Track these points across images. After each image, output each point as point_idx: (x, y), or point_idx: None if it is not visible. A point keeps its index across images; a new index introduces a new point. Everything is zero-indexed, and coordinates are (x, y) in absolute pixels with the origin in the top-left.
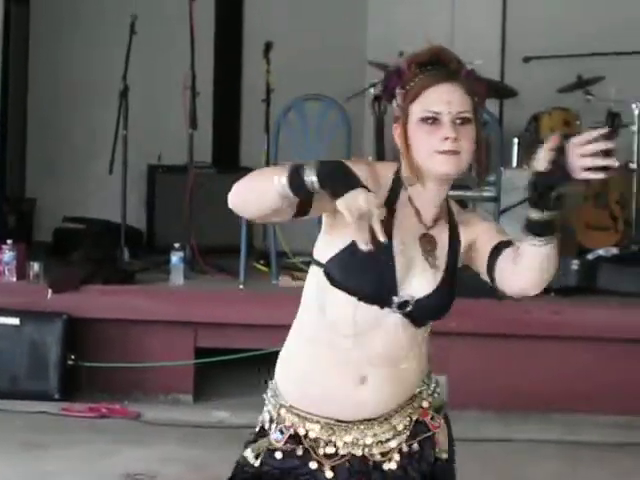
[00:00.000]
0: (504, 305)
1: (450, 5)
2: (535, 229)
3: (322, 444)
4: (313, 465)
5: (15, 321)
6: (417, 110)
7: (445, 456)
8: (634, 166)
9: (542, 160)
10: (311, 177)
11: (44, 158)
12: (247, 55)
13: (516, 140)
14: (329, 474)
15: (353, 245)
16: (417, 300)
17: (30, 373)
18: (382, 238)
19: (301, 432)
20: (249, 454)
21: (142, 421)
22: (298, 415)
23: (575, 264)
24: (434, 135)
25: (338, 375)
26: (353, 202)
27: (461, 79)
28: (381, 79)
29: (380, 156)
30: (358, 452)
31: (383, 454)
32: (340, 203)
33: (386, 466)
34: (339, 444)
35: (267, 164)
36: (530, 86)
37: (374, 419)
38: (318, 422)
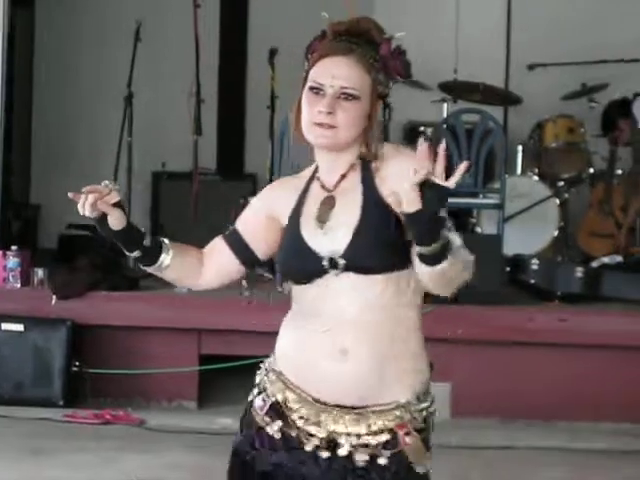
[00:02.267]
0: (509, 312)
1: (455, 13)
2: (428, 261)
3: (297, 416)
4: (308, 447)
5: (19, 327)
6: (310, 78)
7: (419, 471)
8: None
9: (409, 202)
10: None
11: (49, 164)
12: (252, 62)
13: (520, 147)
14: (308, 447)
15: (280, 246)
16: (344, 252)
17: (34, 379)
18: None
19: (280, 398)
20: (244, 429)
21: (146, 428)
22: (283, 382)
23: (579, 272)
24: (315, 106)
25: (317, 348)
26: None
27: (360, 55)
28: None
29: None
30: (326, 437)
31: (353, 446)
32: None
33: (356, 461)
34: (312, 424)
35: (271, 170)
36: (534, 93)
37: (351, 408)
38: (299, 395)
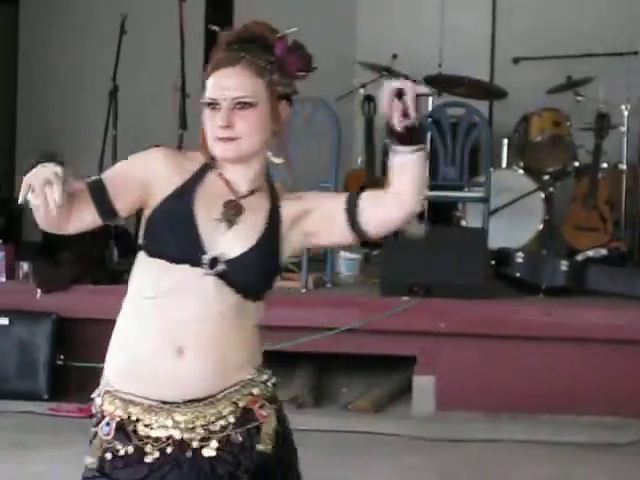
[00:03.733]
0: (494, 306)
1: (440, 6)
2: (403, 140)
3: (142, 427)
4: (148, 458)
5: (4, 321)
6: (205, 94)
7: (269, 450)
8: (623, 167)
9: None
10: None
11: (33, 157)
12: None
13: (506, 141)
14: (149, 459)
15: (154, 214)
16: (230, 260)
17: (19, 373)
18: (21, 199)
19: (124, 416)
20: (89, 461)
21: None
22: (122, 399)
23: (564, 265)
24: (214, 121)
25: (154, 344)
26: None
27: (248, 62)
28: (371, 79)
29: (370, 155)
30: (178, 435)
31: (203, 439)
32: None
33: (205, 452)
34: (158, 426)
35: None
36: (520, 87)
37: (198, 400)
38: (141, 404)
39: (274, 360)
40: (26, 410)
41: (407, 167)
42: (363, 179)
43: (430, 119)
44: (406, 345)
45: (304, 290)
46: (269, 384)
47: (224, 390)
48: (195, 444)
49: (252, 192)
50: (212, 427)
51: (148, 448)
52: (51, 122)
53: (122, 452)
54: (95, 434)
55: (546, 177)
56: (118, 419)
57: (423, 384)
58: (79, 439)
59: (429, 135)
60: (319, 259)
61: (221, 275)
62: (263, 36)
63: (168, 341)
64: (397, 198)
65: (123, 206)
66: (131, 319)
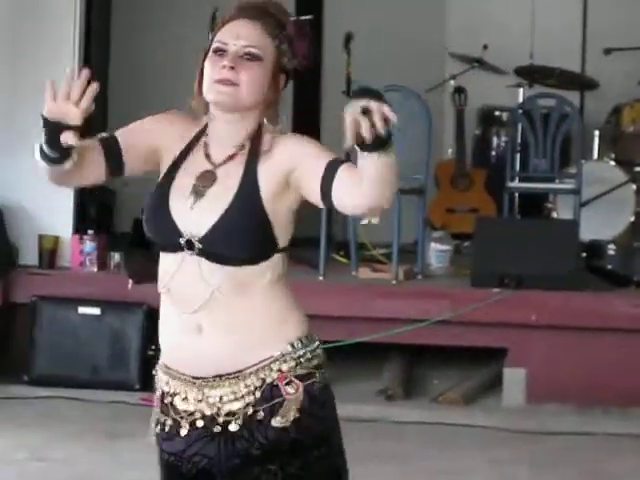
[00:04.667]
0: (585, 298)
1: None
2: (368, 149)
3: (178, 400)
4: (183, 431)
5: (96, 311)
6: (214, 41)
7: (285, 424)
8: None
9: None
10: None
11: None
12: (327, 47)
13: (597, 132)
14: (183, 432)
15: (146, 198)
16: (203, 236)
17: (111, 363)
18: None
19: (165, 389)
20: (150, 432)
21: None
22: (167, 373)
23: None
24: (217, 64)
25: (178, 326)
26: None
27: (266, 21)
28: (462, 71)
29: (460, 147)
30: (207, 410)
31: (229, 414)
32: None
33: (231, 427)
34: (190, 400)
35: (347, 155)
36: (611, 78)
37: (225, 376)
38: (179, 378)
39: (365, 352)
40: (118, 400)
41: (368, 169)
42: (453, 170)
43: (521, 110)
44: (497, 337)
45: (394, 282)
46: (303, 360)
47: (252, 366)
48: (221, 419)
49: (232, 157)
50: (238, 403)
51: (183, 422)
52: (142, 113)
53: (165, 425)
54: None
55: (638, 168)
56: (160, 392)
57: (514, 376)
58: None
59: (519, 126)
60: (410, 250)
61: (202, 253)
62: (277, 13)
63: (187, 322)
64: (363, 192)
65: (131, 165)
66: (162, 306)
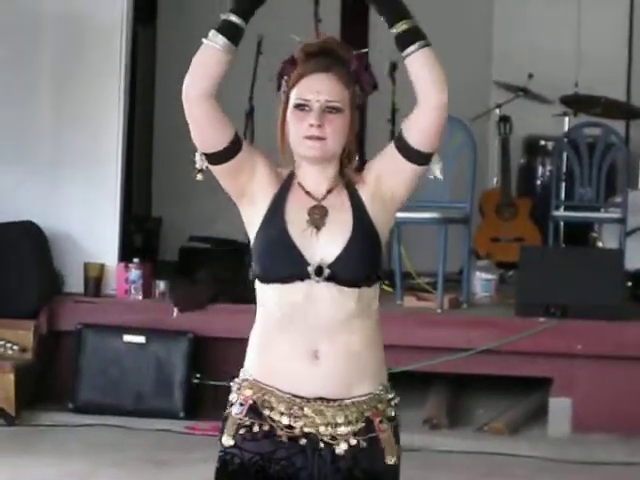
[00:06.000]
0: (630, 327)
1: (576, 24)
2: (413, 37)
3: (278, 414)
4: (279, 437)
5: (141, 339)
6: (293, 97)
7: (392, 462)
8: None
9: None
10: (228, 15)
11: (170, 176)
12: None
13: None
14: (278, 439)
15: (256, 244)
16: (332, 263)
17: (155, 391)
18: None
19: (258, 401)
20: (224, 439)
21: None
22: (259, 387)
23: None
24: (304, 121)
25: (291, 351)
26: None
27: (338, 70)
28: (507, 99)
29: (505, 175)
30: (307, 428)
31: (333, 437)
32: None
33: (337, 450)
34: (293, 417)
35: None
36: None
37: (329, 400)
38: (275, 394)
39: (409, 380)
40: (163, 428)
41: (415, 68)
42: (498, 199)
43: (566, 139)
44: (542, 366)
45: (439, 310)
46: (392, 403)
47: (353, 398)
48: (322, 438)
49: (330, 191)
50: (339, 429)
51: (279, 431)
52: (188, 141)
53: (255, 429)
54: (227, 417)
55: None
56: (251, 402)
57: (559, 406)
58: (215, 457)
59: (565, 155)
60: (455, 279)
61: (330, 278)
62: (340, 51)
63: (303, 348)
64: (422, 98)
65: (234, 165)
66: (267, 329)
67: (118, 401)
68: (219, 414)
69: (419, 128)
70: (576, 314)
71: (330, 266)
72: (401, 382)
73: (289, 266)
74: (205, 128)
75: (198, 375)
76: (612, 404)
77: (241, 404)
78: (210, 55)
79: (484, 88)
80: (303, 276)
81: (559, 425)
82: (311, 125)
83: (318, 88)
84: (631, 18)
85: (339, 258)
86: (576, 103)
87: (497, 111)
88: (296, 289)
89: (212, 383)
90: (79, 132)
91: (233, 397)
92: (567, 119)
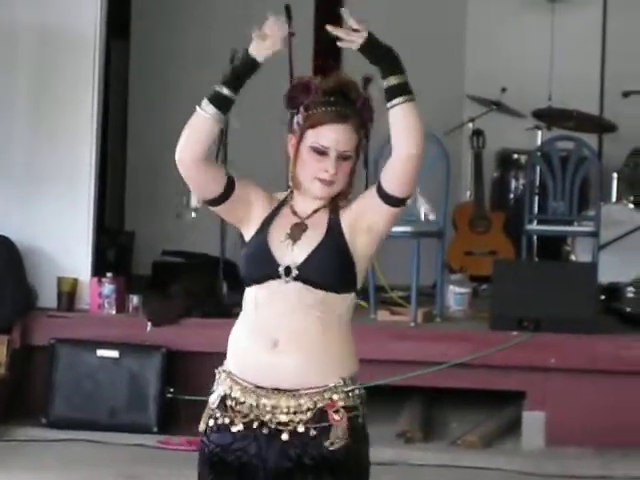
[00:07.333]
0: (604, 341)
1: (549, 39)
2: (400, 91)
3: (240, 405)
4: (235, 428)
5: (115, 354)
6: (311, 138)
7: (335, 447)
8: None
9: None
10: (220, 87)
11: (143, 191)
12: None
13: (615, 175)
14: (234, 429)
15: (243, 256)
16: (300, 264)
17: (129, 406)
18: None
19: (227, 392)
20: (200, 427)
21: None
22: (231, 378)
23: None
24: (319, 164)
25: (255, 340)
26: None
27: (353, 121)
28: (480, 113)
29: (478, 190)
30: (261, 416)
31: (280, 424)
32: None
33: (282, 436)
34: (248, 404)
35: None
36: (629, 121)
37: (285, 391)
38: (240, 385)
39: (383, 394)
40: (136, 443)
41: (395, 120)
42: (471, 212)
43: (539, 153)
44: (516, 380)
45: (413, 324)
46: (350, 394)
47: (308, 389)
48: (273, 426)
49: (315, 211)
50: (290, 417)
51: (237, 420)
52: (161, 156)
53: (220, 421)
54: (206, 404)
55: None
56: (222, 393)
57: (533, 419)
58: (188, 472)
59: (538, 169)
60: (428, 293)
61: (298, 278)
62: (350, 91)
63: (266, 336)
64: (395, 148)
65: (231, 204)
66: (241, 324)
67: (92, 416)
68: (193, 428)
69: (391, 176)
70: (549, 328)
71: (298, 267)
72: (375, 396)
73: (263, 268)
74: (203, 184)
75: (171, 389)
76: (585, 417)
77: (217, 396)
78: (201, 123)
79: (457, 102)
80: (274, 276)
81: (533, 438)
82: (326, 171)
83: (337, 138)
84: (604, 32)
85: (306, 261)
86: (549, 117)
87: (470, 125)
88: (268, 286)
89: (185, 397)
90: (52, 147)
91: (214, 386)
92: (540, 133)
